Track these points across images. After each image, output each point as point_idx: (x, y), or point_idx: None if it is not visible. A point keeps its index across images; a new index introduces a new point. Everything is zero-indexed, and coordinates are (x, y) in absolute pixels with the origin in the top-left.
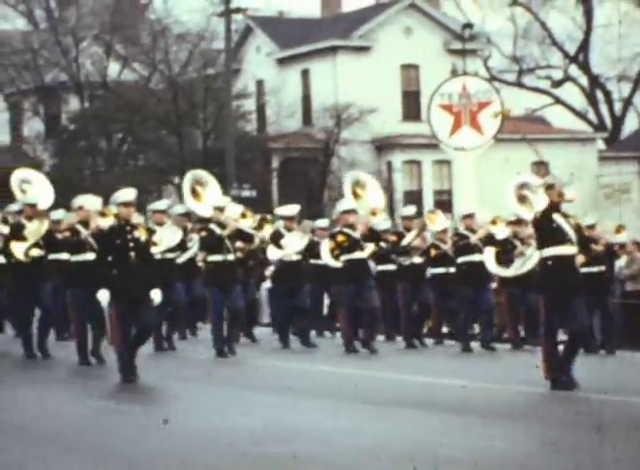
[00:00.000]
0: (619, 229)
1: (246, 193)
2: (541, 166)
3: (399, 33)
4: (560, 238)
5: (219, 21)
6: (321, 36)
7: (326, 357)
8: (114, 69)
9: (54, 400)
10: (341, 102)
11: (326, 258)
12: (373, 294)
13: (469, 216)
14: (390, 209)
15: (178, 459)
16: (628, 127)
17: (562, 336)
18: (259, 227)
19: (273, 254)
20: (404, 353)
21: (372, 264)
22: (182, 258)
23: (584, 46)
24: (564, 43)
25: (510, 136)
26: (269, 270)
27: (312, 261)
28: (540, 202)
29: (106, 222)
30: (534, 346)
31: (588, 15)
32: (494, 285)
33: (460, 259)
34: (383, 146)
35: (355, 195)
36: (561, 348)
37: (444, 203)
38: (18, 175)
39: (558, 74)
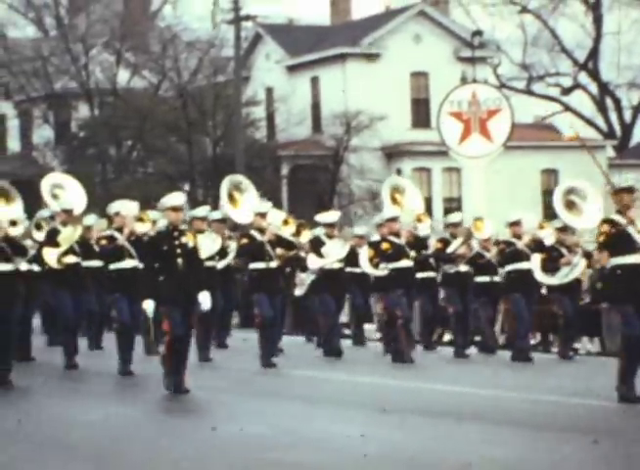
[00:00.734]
0: None
1: None
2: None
3: (409, 41)
4: (629, 246)
5: (229, 28)
6: (331, 44)
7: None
8: (123, 76)
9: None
10: (350, 109)
11: (365, 266)
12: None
13: (515, 223)
14: None
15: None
16: (638, 135)
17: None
18: (297, 234)
19: (313, 262)
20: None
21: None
22: (220, 265)
23: (594, 53)
24: (573, 50)
25: (519, 144)
26: (299, 278)
27: (349, 269)
28: (591, 208)
29: (143, 228)
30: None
31: (598, 22)
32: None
33: (508, 268)
34: (392, 153)
35: (394, 201)
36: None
37: (454, 210)
38: (49, 180)
39: (567, 82)
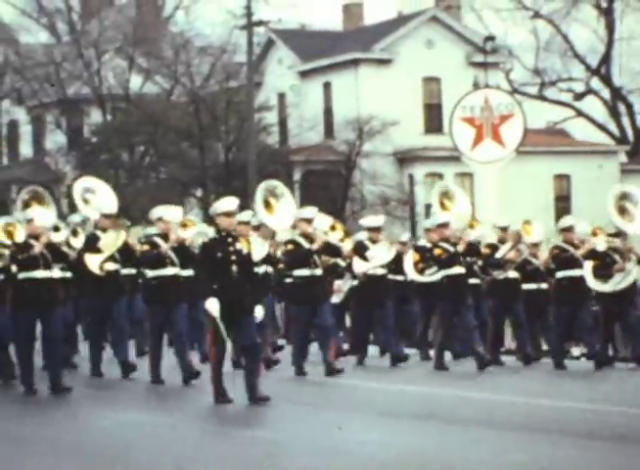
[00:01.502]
0: None
1: None
2: None
3: (421, 46)
4: None
5: (241, 33)
6: (343, 49)
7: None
8: (136, 81)
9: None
10: (362, 114)
11: (410, 272)
12: (470, 314)
13: (568, 229)
14: (412, 222)
15: None
16: None
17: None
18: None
19: (359, 267)
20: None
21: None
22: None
23: (606, 59)
24: (586, 56)
25: (532, 149)
26: (336, 285)
27: (391, 277)
28: None
29: (187, 234)
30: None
31: (610, 27)
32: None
33: (559, 274)
34: (404, 159)
35: (442, 206)
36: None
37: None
38: (81, 184)
39: (580, 87)
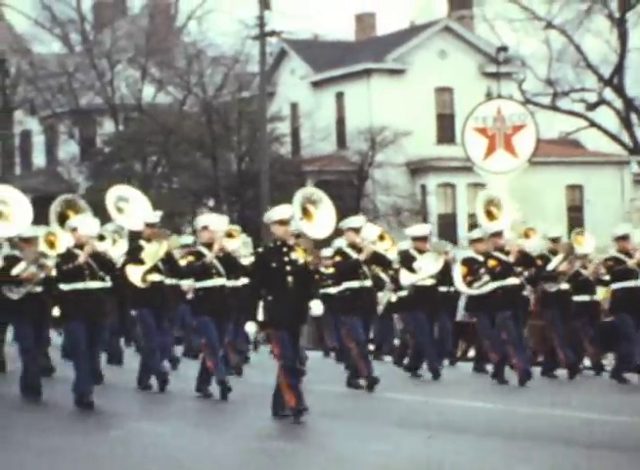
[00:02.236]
0: None
1: None
2: None
3: (434, 56)
4: None
5: (254, 44)
6: (355, 59)
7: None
8: (148, 92)
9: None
10: (375, 125)
11: (458, 284)
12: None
13: (622, 238)
14: None
15: None
16: None
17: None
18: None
19: (406, 278)
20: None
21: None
22: None
23: (619, 69)
24: (598, 66)
25: (544, 159)
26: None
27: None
28: None
29: (232, 244)
30: None
31: (623, 38)
32: None
33: (615, 286)
34: (417, 169)
35: (489, 215)
36: None
37: (478, 226)
38: (114, 193)
39: (592, 97)
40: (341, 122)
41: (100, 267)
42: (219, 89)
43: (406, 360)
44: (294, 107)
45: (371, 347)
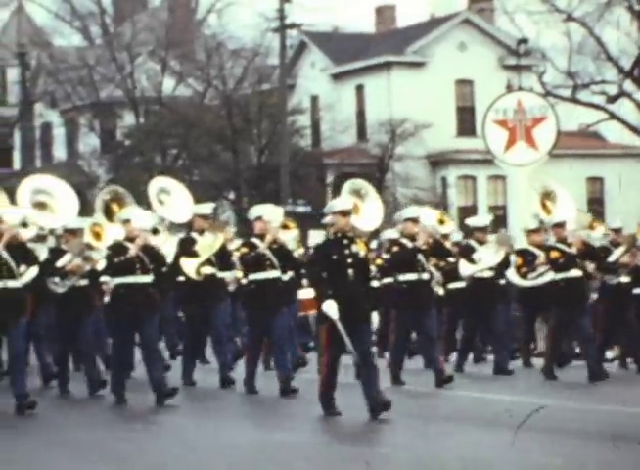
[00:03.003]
0: None
1: (300, 208)
2: None
3: (454, 49)
4: None
5: (274, 36)
6: (375, 52)
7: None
8: (168, 84)
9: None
10: (395, 117)
11: (511, 276)
12: (587, 320)
13: None
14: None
15: None
16: None
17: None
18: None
19: (466, 269)
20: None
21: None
22: None
23: (639, 61)
24: (619, 58)
25: (565, 151)
26: None
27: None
28: None
29: (286, 236)
30: None
31: None
32: None
33: None
34: (437, 161)
35: (544, 207)
36: None
37: (499, 218)
38: (156, 184)
39: (613, 90)
40: (361, 115)
41: (151, 261)
42: (239, 82)
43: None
44: (314, 99)
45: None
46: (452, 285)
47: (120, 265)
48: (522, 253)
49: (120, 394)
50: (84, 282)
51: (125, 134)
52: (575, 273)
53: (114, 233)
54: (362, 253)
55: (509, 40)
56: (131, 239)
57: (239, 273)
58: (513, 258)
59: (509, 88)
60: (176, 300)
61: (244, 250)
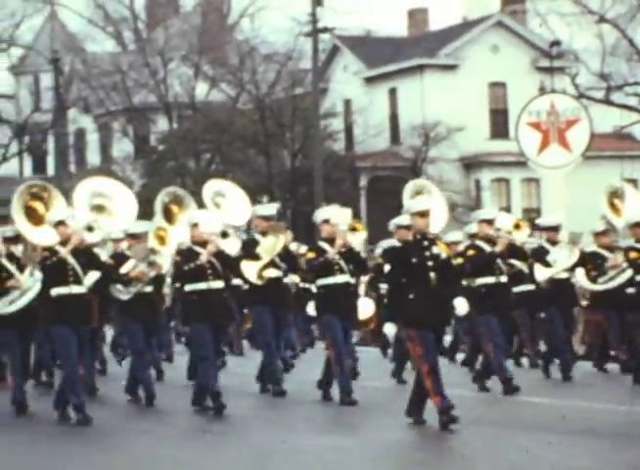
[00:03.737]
0: None
1: None
2: None
3: (487, 51)
4: None
5: (306, 40)
6: (408, 55)
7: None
8: (201, 89)
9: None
10: (428, 120)
11: (582, 279)
12: None
13: None
14: None
15: None
16: None
17: None
18: None
19: (541, 273)
20: None
21: None
22: None
23: None
24: None
25: (598, 153)
26: None
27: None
28: None
29: (356, 239)
30: None
31: None
32: None
33: None
34: (471, 164)
35: (612, 207)
36: None
37: (533, 221)
38: (211, 187)
39: None
40: (394, 118)
41: (223, 266)
42: (272, 86)
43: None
44: (347, 103)
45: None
46: (517, 288)
47: (192, 272)
48: (590, 256)
49: (202, 404)
50: (149, 288)
51: (159, 139)
52: None
53: (177, 237)
54: (444, 255)
55: (542, 42)
56: (200, 243)
57: (296, 278)
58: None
59: (542, 90)
60: (239, 304)
61: (311, 255)
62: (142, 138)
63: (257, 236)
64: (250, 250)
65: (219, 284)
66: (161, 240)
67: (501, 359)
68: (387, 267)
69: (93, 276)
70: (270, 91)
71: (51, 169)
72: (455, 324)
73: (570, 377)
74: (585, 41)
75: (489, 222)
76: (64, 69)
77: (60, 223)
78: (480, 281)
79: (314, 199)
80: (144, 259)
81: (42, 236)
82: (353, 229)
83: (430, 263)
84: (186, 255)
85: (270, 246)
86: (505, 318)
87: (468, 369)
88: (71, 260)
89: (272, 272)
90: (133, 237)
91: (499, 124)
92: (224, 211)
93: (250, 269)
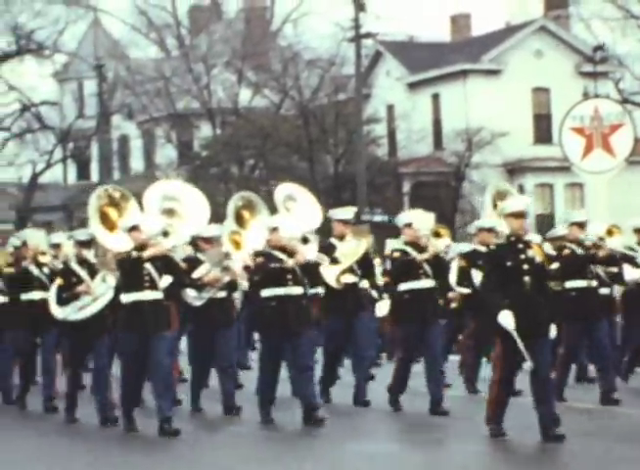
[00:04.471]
0: None
1: (377, 218)
2: None
3: (530, 56)
4: None
5: (349, 46)
6: (451, 60)
7: None
8: (245, 95)
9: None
10: (471, 126)
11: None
12: None
13: None
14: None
15: None
16: None
17: None
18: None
19: (630, 273)
20: None
21: None
22: None
23: None
24: None
25: None
26: None
27: None
28: None
29: (441, 243)
30: None
31: None
32: None
33: None
34: (514, 169)
35: None
36: None
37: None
38: (282, 191)
39: None
40: (437, 124)
41: (304, 272)
42: (315, 92)
43: None
44: (390, 108)
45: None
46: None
47: (271, 276)
48: None
49: (267, 413)
50: (222, 294)
51: (202, 145)
52: None
53: (252, 242)
54: (538, 258)
55: (585, 47)
56: (279, 248)
57: (366, 283)
58: None
59: (585, 95)
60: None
61: (397, 255)
62: (185, 144)
63: (334, 240)
64: (327, 254)
65: (298, 290)
66: (236, 244)
67: (567, 371)
68: (474, 272)
69: (164, 281)
70: (313, 97)
71: (95, 176)
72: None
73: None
74: (629, 46)
75: (580, 225)
76: (107, 75)
77: (133, 229)
78: (570, 284)
79: (358, 204)
80: (218, 264)
81: (117, 242)
82: (437, 234)
83: (525, 267)
84: (266, 259)
85: (351, 250)
86: (598, 324)
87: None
88: (148, 266)
89: (349, 278)
90: (206, 241)
91: (543, 130)
92: (295, 215)
93: (329, 274)
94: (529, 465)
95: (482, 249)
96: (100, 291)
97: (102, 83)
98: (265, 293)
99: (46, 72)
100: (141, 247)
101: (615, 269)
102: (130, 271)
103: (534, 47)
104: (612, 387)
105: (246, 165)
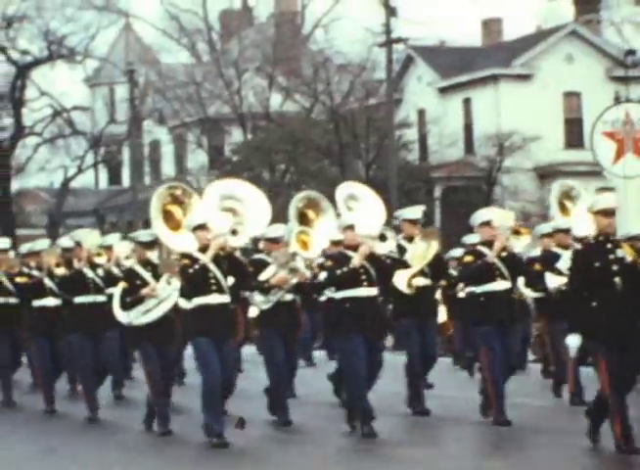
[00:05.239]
0: None
1: None
2: None
3: (561, 61)
4: None
5: (380, 51)
6: (482, 65)
7: None
8: (276, 100)
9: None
10: (503, 130)
11: None
12: None
13: None
14: None
15: None
16: None
17: None
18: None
19: None
20: None
21: None
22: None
23: None
24: None
25: None
26: None
27: None
28: None
29: (519, 243)
30: None
31: None
32: None
33: None
34: (545, 174)
35: None
36: None
37: None
38: (344, 191)
39: None
40: (468, 128)
41: (377, 272)
42: (346, 97)
43: None
44: (421, 113)
45: None
46: None
47: (343, 277)
48: None
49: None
50: (290, 297)
51: (233, 150)
52: None
53: (319, 242)
54: (629, 258)
55: (616, 52)
56: (353, 247)
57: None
58: None
59: (617, 100)
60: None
61: (468, 259)
62: (216, 149)
63: (402, 241)
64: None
65: (372, 291)
66: (304, 245)
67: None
68: (548, 276)
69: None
70: (344, 102)
71: (126, 181)
72: None
73: None
74: None
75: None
76: (138, 80)
77: (199, 227)
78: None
79: (389, 209)
80: (285, 265)
81: (182, 242)
82: (516, 232)
83: (614, 267)
84: (338, 259)
85: (421, 253)
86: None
87: None
88: (213, 268)
89: (420, 281)
90: (271, 241)
91: (574, 134)
92: (360, 214)
93: (400, 278)
94: None
95: (559, 251)
96: (165, 293)
97: (133, 88)
98: (339, 295)
99: (77, 78)
100: (206, 248)
101: None
102: (195, 274)
103: (565, 52)
104: None
105: (277, 170)
